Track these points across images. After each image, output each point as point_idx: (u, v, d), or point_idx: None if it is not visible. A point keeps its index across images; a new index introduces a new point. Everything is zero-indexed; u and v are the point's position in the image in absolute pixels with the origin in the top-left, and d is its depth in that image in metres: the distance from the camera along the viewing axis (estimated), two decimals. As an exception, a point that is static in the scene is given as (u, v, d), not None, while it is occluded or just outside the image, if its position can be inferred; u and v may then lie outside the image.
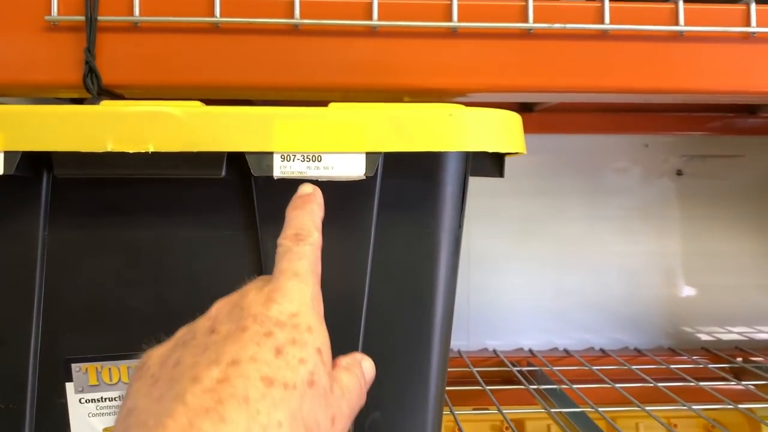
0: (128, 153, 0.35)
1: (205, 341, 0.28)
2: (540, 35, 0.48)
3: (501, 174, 0.44)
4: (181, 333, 0.30)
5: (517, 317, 0.94)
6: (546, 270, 0.94)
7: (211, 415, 0.24)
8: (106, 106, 0.36)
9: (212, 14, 0.47)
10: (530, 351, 0.94)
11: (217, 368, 0.26)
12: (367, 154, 0.36)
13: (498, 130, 0.38)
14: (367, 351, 0.40)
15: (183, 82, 0.48)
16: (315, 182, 0.36)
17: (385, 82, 0.48)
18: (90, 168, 0.36)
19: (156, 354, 0.29)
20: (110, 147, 0.35)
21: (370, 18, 0.47)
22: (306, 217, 0.33)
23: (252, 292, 0.30)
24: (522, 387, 0.80)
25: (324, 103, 0.39)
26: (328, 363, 0.30)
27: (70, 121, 0.35)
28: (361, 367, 0.33)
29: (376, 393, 0.41)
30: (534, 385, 0.80)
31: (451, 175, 0.40)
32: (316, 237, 0.33)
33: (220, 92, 0.49)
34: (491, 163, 0.43)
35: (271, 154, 0.36)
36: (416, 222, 0.40)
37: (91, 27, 0.46)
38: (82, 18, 0.46)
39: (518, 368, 0.87)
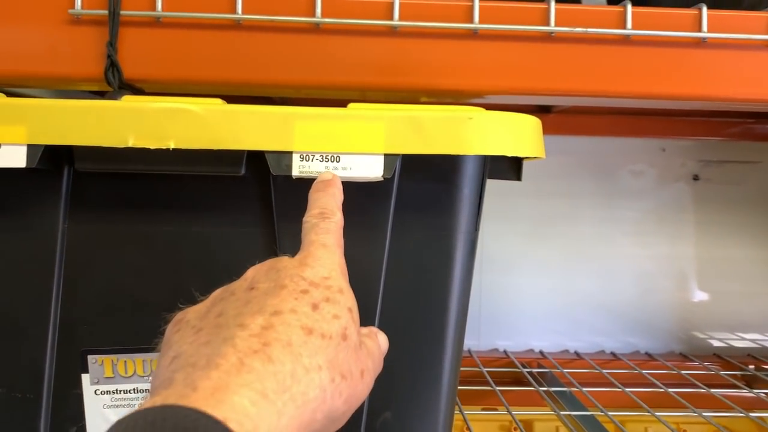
0: (149, 149, 0.36)
1: (246, 296, 0.30)
2: (561, 39, 0.48)
3: (518, 177, 0.44)
4: (218, 292, 0.32)
5: (528, 318, 0.94)
6: (558, 271, 0.94)
7: (260, 355, 0.26)
8: (129, 101, 0.36)
9: (234, 11, 0.47)
10: (541, 353, 0.93)
11: (261, 317, 0.28)
12: (386, 155, 0.36)
13: (517, 135, 0.38)
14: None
15: (203, 78, 0.48)
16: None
17: (404, 82, 0.48)
18: (111, 163, 0.37)
19: (193, 310, 0.31)
20: (131, 143, 0.36)
21: (391, 18, 0.47)
22: (329, 199, 0.35)
23: (285, 259, 0.32)
24: (532, 388, 0.80)
25: (341, 102, 0.39)
26: (357, 321, 0.32)
27: (93, 116, 0.36)
28: (379, 338, 0.35)
29: (387, 393, 0.41)
30: (544, 386, 0.80)
31: (468, 177, 0.40)
32: (339, 216, 0.35)
33: (239, 89, 0.49)
34: (509, 166, 0.43)
35: (290, 153, 0.36)
36: (432, 224, 0.40)
37: (114, 21, 0.46)
38: (105, 12, 0.46)
39: (528, 369, 0.87)
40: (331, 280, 0.31)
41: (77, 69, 0.47)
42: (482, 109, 0.38)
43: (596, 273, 0.94)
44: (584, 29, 0.47)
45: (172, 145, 0.36)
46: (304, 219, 0.34)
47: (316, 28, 0.47)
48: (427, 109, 0.37)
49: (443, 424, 0.42)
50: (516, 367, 0.87)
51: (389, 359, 0.40)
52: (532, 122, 0.39)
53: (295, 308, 0.29)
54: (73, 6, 0.47)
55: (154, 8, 0.47)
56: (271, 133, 0.36)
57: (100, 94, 0.60)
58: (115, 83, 0.47)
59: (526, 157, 0.40)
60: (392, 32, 0.48)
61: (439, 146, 0.36)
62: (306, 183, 0.36)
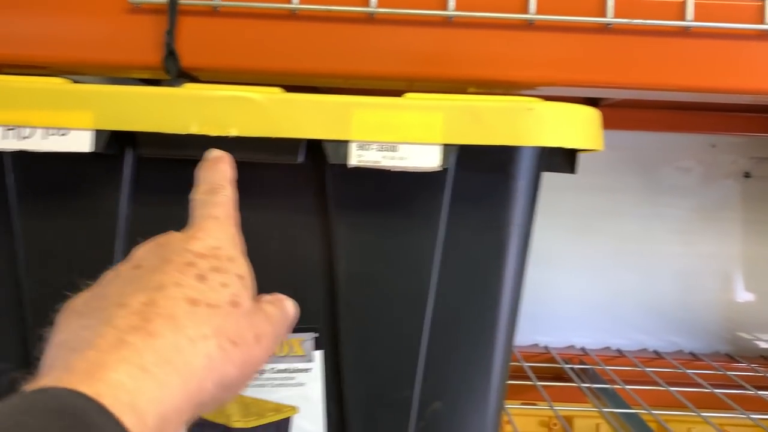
0: (210, 136, 0.36)
1: (130, 275, 0.29)
2: (618, 30, 0.47)
3: (573, 170, 0.43)
4: (105, 275, 0.31)
5: (570, 314, 0.93)
6: (601, 267, 0.93)
7: (140, 332, 0.26)
8: (191, 89, 0.37)
9: (289, 1, 0.47)
10: (582, 349, 0.93)
11: (143, 294, 0.27)
12: (444, 145, 0.36)
13: (577, 126, 0.38)
14: (431, 342, 0.40)
15: (258, 67, 0.48)
16: (389, 172, 0.36)
17: (457, 73, 0.48)
18: (173, 149, 0.37)
19: (80, 295, 0.30)
20: (194, 129, 0.36)
21: (445, 8, 0.47)
22: (217, 174, 0.35)
23: (174, 234, 0.32)
24: (573, 384, 0.79)
25: (385, 92, 0.39)
26: (251, 289, 0.31)
27: (157, 103, 0.36)
28: (284, 303, 0.34)
29: (438, 383, 0.41)
30: (586, 383, 0.79)
31: (524, 169, 0.40)
32: (229, 190, 0.35)
33: (292, 78, 0.50)
34: (564, 159, 0.43)
35: (347, 142, 0.36)
36: (487, 216, 0.40)
37: (173, 10, 0.47)
38: (165, 1, 0.47)
39: (570, 366, 0.86)
40: (220, 250, 0.31)
41: (136, 57, 0.48)
42: (540, 100, 0.37)
43: (639, 270, 0.93)
44: (643, 20, 0.46)
45: (233, 133, 0.36)
46: (191, 197, 0.34)
47: (370, 18, 0.48)
48: (484, 99, 0.37)
49: (492, 416, 0.42)
50: (557, 362, 0.87)
51: (441, 350, 0.40)
52: (592, 113, 0.39)
53: (180, 281, 0.28)
54: (133, -5, 0.47)
55: (212, -3, 0.47)
56: (330, 122, 0.36)
57: (147, 82, 0.61)
58: (173, 71, 0.47)
59: (583, 150, 0.40)
60: (446, 22, 0.48)
61: (498, 137, 0.36)
62: (362, 171, 0.36)
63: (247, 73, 0.49)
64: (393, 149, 0.36)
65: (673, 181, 0.93)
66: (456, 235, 0.40)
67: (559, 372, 0.86)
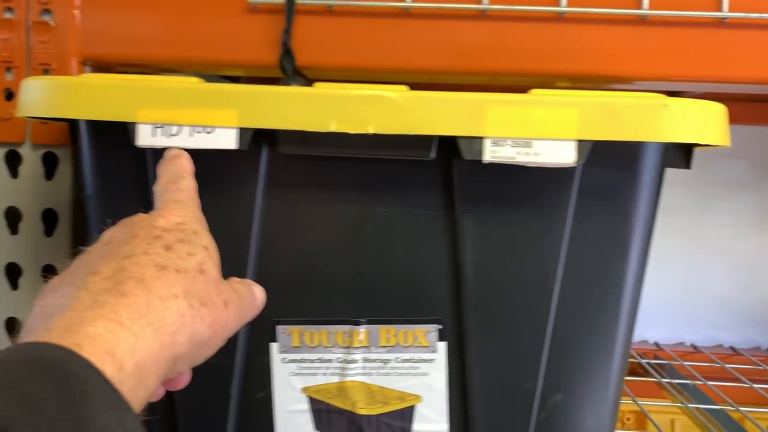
0: (349, 134, 0.37)
1: (101, 251, 0.31)
2: (734, 25, 0.47)
3: (689, 165, 0.43)
4: (79, 256, 0.32)
5: (643, 309, 0.92)
6: (675, 262, 0.92)
7: (113, 292, 0.27)
8: (328, 88, 0.38)
9: (402, -1, 0.48)
10: (656, 344, 0.92)
11: (114, 262, 0.29)
12: (579, 141, 0.36)
13: (707, 122, 0.38)
14: (555, 334, 0.41)
15: (370, 64, 0.50)
16: (516, 167, 0.37)
17: (571, 68, 0.49)
18: (311, 146, 0.39)
19: (55, 277, 0.31)
20: (333, 127, 0.37)
21: (558, 4, 0.47)
22: (177, 168, 0.37)
23: (140, 215, 0.33)
24: (650, 379, 0.79)
25: (485, 89, 0.40)
26: (216, 259, 0.33)
27: (298, 102, 0.38)
28: (253, 286, 0.36)
29: (560, 375, 0.42)
30: (665, 378, 0.79)
31: (650, 164, 0.40)
32: (189, 180, 0.36)
33: (404, 75, 0.51)
34: (681, 154, 0.43)
35: (482, 138, 0.37)
36: (612, 210, 0.40)
37: (290, 10, 0.48)
38: (282, 1, 0.48)
39: (646, 360, 0.85)
40: (184, 225, 0.32)
41: (252, 56, 0.50)
42: (669, 97, 0.38)
43: (714, 265, 0.92)
44: (760, 14, 0.46)
45: (371, 130, 0.37)
46: (154, 188, 0.36)
47: (482, 15, 0.48)
48: (617, 95, 0.37)
49: (611, 409, 0.43)
50: (632, 357, 0.86)
51: (563, 343, 0.41)
52: (720, 109, 0.39)
53: (148, 251, 0.30)
54: (251, -5, 0.49)
55: (327, -3, 0.49)
56: (465, 118, 0.37)
57: (268, 82, 0.62)
58: (289, 70, 0.49)
59: (711, 145, 0.40)
60: (558, 18, 0.48)
61: (632, 133, 0.37)
62: (489, 167, 0.37)
63: (359, 70, 0.50)
64: (527, 145, 0.37)
65: (754, 175, 0.91)
66: (582, 229, 0.40)
67: (634, 366, 0.85)
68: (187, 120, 0.38)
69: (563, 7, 0.47)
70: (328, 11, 0.49)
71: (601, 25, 0.48)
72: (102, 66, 0.52)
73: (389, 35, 0.49)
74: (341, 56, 0.49)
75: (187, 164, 0.38)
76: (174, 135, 0.38)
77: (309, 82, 0.50)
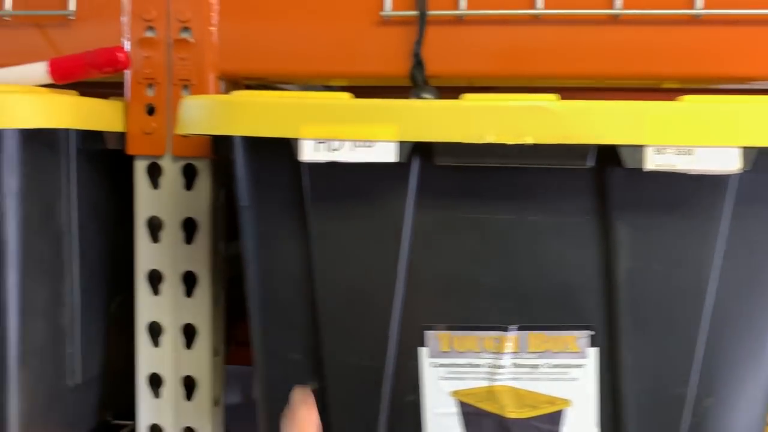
0: (503, 144, 0.38)
1: None
2: None
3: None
4: None
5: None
6: None
7: None
8: (482, 100, 0.39)
9: (533, 6, 0.49)
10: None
11: None
12: (744, 148, 0.36)
13: None
14: (708, 340, 0.41)
15: (501, 72, 0.50)
16: (671, 173, 0.37)
17: (702, 70, 0.48)
18: (466, 157, 0.40)
19: None
20: (490, 138, 0.38)
21: (692, 7, 0.47)
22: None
23: None
24: None
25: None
26: None
27: (455, 115, 0.39)
28: None
29: (712, 380, 0.42)
30: None
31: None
32: None
33: (531, 81, 0.51)
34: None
35: (643, 147, 0.37)
36: (766, 216, 0.40)
37: (422, 21, 0.49)
38: (414, 13, 0.49)
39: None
40: None
41: (384, 67, 0.51)
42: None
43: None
44: None
45: (529, 141, 0.38)
46: None
47: (614, 20, 0.48)
48: (778, 100, 0.37)
49: (761, 413, 0.43)
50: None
51: (717, 347, 0.41)
52: None
53: None
54: (382, 8, 0.50)
55: (456, 7, 0.49)
56: (625, 127, 0.37)
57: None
58: (420, 80, 0.50)
59: None
60: (693, 21, 0.48)
61: (800, 138, 0.36)
62: (644, 174, 0.37)
63: (485, 78, 0.51)
64: (689, 153, 0.37)
65: None
66: (736, 235, 0.40)
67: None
68: (349, 135, 0.39)
69: (699, 9, 0.47)
70: (459, 20, 0.50)
71: (737, 27, 0.47)
72: (233, 80, 0.54)
73: (520, 42, 0.49)
74: (471, 64, 0.50)
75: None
76: (336, 149, 0.40)
77: (439, 91, 0.51)
